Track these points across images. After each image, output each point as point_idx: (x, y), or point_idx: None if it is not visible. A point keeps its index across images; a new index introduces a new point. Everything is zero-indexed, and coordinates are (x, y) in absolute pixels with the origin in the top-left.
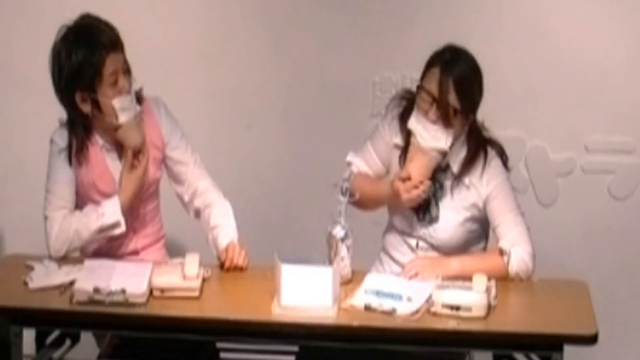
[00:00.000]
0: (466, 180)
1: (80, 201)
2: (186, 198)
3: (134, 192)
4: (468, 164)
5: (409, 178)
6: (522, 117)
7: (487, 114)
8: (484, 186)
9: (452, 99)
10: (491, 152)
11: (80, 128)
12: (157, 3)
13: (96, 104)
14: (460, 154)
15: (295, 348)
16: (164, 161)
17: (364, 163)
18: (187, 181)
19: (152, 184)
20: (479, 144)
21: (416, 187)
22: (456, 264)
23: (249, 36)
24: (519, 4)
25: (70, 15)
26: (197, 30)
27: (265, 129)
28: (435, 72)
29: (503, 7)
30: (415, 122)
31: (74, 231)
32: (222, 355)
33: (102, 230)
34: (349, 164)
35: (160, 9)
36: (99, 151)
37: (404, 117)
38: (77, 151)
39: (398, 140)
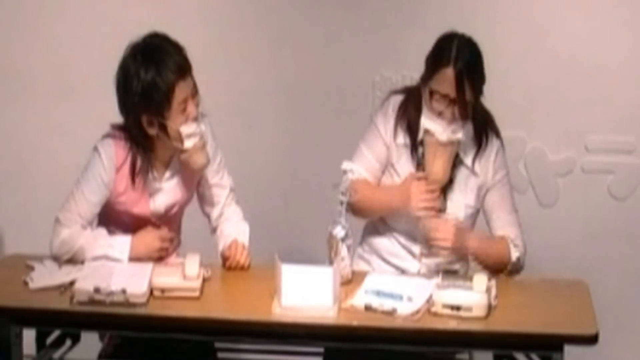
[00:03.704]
0: (477, 167)
1: (111, 213)
2: (214, 220)
3: (141, 255)
4: (479, 150)
5: (425, 178)
6: (522, 117)
7: None
8: (491, 176)
9: (469, 95)
10: (498, 142)
11: (143, 150)
12: (156, 3)
13: (163, 128)
14: (469, 140)
15: (320, 349)
16: (199, 181)
17: (361, 168)
18: (220, 204)
19: (185, 204)
20: (485, 126)
21: (431, 194)
22: (474, 243)
23: (249, 36)
24: (519, 4)
25: (70, 18)
26: (197, 30)
27: (266, 129)
28: (448, 73)
29: (503, 7)
30: (429, 122)
31: (79, 247)
32: (220, 355)
33: (105, 258)
34: (345, 172)
35: (160, 9)
36: (144, 176)
37: (405, 115)
38: (140, 168)
39: (402, 139)
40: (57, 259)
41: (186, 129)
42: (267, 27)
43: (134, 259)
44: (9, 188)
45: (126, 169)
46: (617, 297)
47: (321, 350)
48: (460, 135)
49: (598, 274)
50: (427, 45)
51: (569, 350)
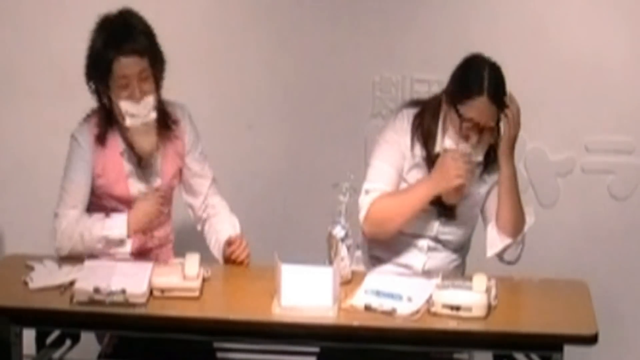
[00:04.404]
0: (485, 176)
1: (95, 202)
2: (198, 210)
3: (143, 224)
4: (492, 162)
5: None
6: (522, 117)
7: None
8: (494, 175)
9: (496, 120)
10: None
11: (104, 117)
12: (157, 3)
13: (109, 99)
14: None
15: (316, 349)
16: (181, 170)
17: (382, 184)
18: (202, 195)
19: (169, 191)
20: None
21: (467, 158)
22: (509, 168)
23: (250, 36)
24: (519, 4)
25: (70, 18)
26: (198, 30)
27: (266, 129)
28: (481, 102)
29: (503, 7)
30: (451, 142)
31: (78, 234)
32: (219, 355)
33: (106, 242)
34: (368, 191)
35: (161, 9)
36: (119, 156)
37: (420, 128)
38: (100, 135)
39: (418, 151)
40: (61, 253)
41: (126, 105)
42: (267, 27)
43: (138, 230)
44: (9, 188)
45: (100, 148)
46: (617, 297)
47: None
48: (479, 158)
49: (598, 274)
50: (427, 45)
51: (569, 350)
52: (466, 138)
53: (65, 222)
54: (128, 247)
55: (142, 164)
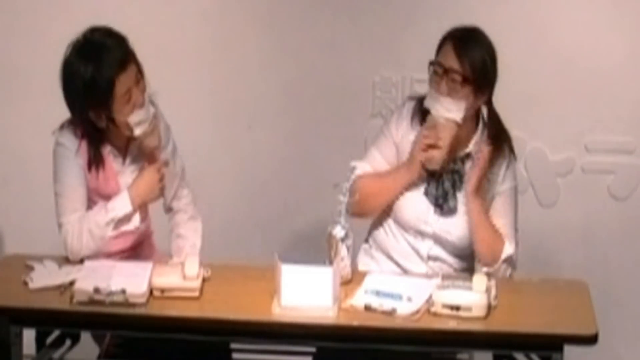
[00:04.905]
0: (488, 173)
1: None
2: (167, 200)
3: (145, 195)
4: (493, 156)
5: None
6: (522, 117)
7: None
8: (500, 183)
9: (460, 66)
10: (512, 155)
11: (97, 141)
12: (157, 3)
13: (111, 119)
14: (482, 142)
15: (312, 349)
16: None
17: (368, 165)
18: (173, 188)
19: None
20: (500, 134)
21: (430, 131)
22: (476, 204)
23: (250, 36)
24: (519, 5)
25: (70, 17)
26: (197, 30)
27: (266, 129)
28: (447, 45)
29: (503, 7)
30: (428, 100)
31: (87, 230)
32: (235, 356)
33: (115, 224)
34: (353, 168)
35: (161, 8)
36: (106, 156)
37: (418, 115)
38: (94, 160)
39: (415, 136)
40: (75, 258)
41: (133, 117)
42: (267, 27)
43: (142, 202)
44: (9, 188)
45: (85, 156)
46: (617, 297)
47: None
48: (453, 115)
49: (598, 274)
50: (427, 45)
51: (569, 350)
52: (437, 88)
53: (72, 228)
54: (137, 220)
55: (127, 165)
